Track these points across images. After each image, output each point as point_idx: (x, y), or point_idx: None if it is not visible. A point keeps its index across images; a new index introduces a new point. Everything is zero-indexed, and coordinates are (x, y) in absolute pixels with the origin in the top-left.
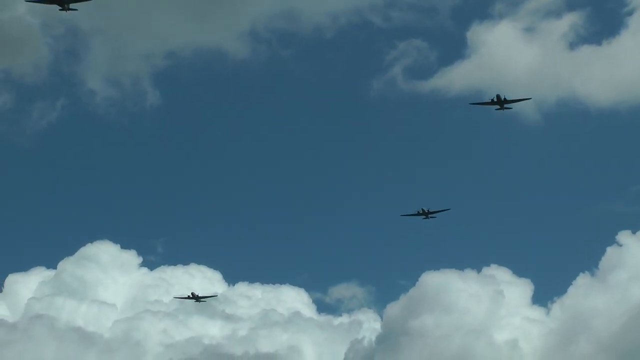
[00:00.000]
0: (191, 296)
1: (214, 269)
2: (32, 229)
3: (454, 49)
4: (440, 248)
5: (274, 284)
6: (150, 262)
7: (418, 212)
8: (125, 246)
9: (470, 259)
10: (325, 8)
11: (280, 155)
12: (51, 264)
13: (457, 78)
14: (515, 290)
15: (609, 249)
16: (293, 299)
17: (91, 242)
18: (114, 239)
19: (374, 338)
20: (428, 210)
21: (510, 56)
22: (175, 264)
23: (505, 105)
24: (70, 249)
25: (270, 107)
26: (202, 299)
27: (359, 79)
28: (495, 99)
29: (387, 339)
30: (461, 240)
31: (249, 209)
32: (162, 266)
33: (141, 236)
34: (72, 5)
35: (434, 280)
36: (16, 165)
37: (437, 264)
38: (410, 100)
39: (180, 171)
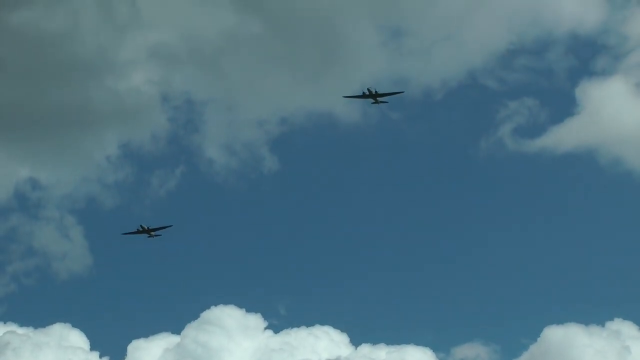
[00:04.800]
0: (141, 229)
1: (338, 329)
2: (156, 294)
3: (564, 106)
4: (563, 301)
5: (398, 344)
6: (275, 325)
7: (364, 93)
8: (250, 309)
9: (593, 312)
10: (435, 72)
11: (394, 214)
12: (176, 329)
13: (567, 136)
14: None
15: None
16: None
17: (215, 305)
18: (238, 303)
19: None
20: (376, 92)
21: (621, 111)
22: (299, 326)
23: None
24: (193, 314)
25: (382, 168)
26: (154, 233)
27: (468, 140)
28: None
29: None
30: (584, 293)
31: (370, 268)
32: (286, 329)
33: (264, 299)
34: None
35: (557, 335)
36: None
37: (560, 318)
38: (518, 159)
39: (301, 233)
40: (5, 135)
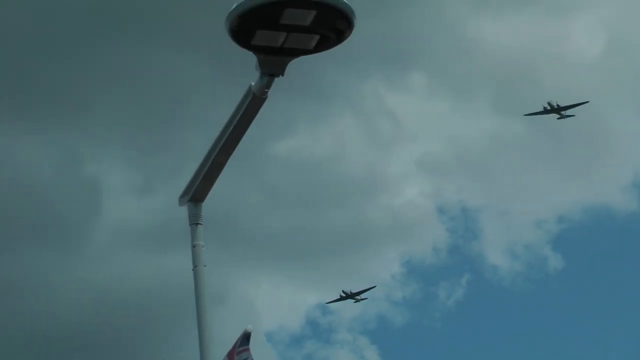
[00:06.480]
0: (344, 295)
1: None
2: None
3: None
4: None
5: None
6: None
7: (545, 108)
8: None
9: None
10: None
11: None
12: None
13: None
14: None
15: None
16: None
17: None
18: None
19: None
20: (558, 105)
21: None
22: None
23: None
24: None
25: None
26: (359, 297)
27: None
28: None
29: None
30: None
31: None
32: None
33: None
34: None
35: None
36: (428, 348)
37: None
38: None
39: (596, 330)
40: (290, 264)
